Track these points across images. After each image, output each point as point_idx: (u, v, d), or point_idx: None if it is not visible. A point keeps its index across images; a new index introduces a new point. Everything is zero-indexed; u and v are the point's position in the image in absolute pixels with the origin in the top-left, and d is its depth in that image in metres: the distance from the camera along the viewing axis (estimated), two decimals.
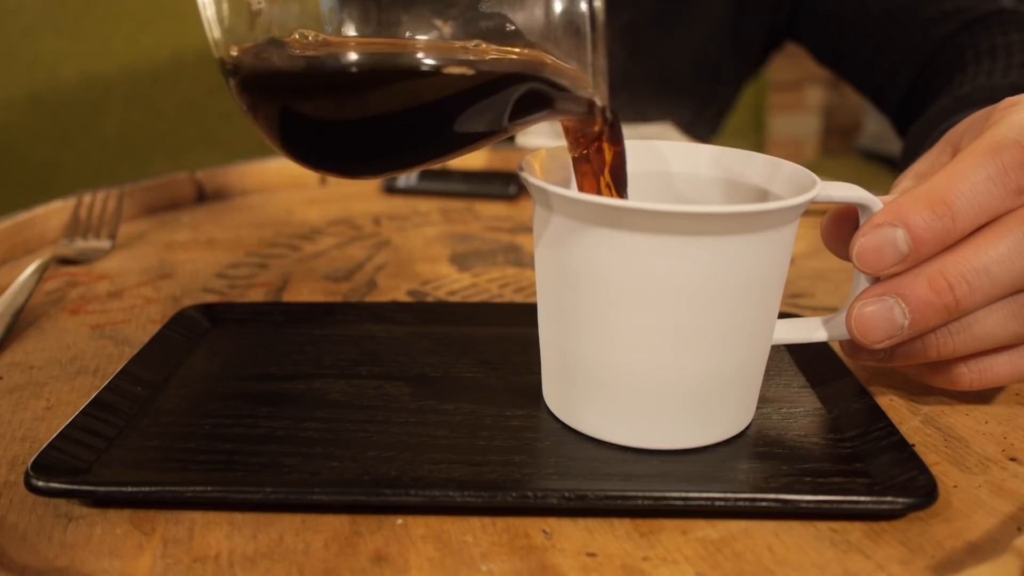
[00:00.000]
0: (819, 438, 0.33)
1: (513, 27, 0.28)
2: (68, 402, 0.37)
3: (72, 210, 0.58)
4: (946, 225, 0.30)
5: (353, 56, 0.26)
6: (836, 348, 0.39)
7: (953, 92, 0.62)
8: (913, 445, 0.33)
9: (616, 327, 0.30)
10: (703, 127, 0.94)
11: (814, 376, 0.37)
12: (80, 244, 0.55)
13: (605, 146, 0.32)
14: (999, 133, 0.32)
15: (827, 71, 0.86)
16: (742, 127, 1.30)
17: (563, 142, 0.34)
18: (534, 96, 0.29)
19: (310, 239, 0.59)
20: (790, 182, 0.33)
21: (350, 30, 0.26)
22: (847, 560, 0.27)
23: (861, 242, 0.31)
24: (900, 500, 0.28)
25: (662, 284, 0.29)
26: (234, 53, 0.26)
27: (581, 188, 0.33)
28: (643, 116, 0.84)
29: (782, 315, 0.35)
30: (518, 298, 0.49)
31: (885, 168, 1.86)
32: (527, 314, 0.37)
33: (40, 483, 0.28)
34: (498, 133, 0.29)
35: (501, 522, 0.29)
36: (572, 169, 0.34)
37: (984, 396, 0.37)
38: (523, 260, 0.55)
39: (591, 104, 0.30)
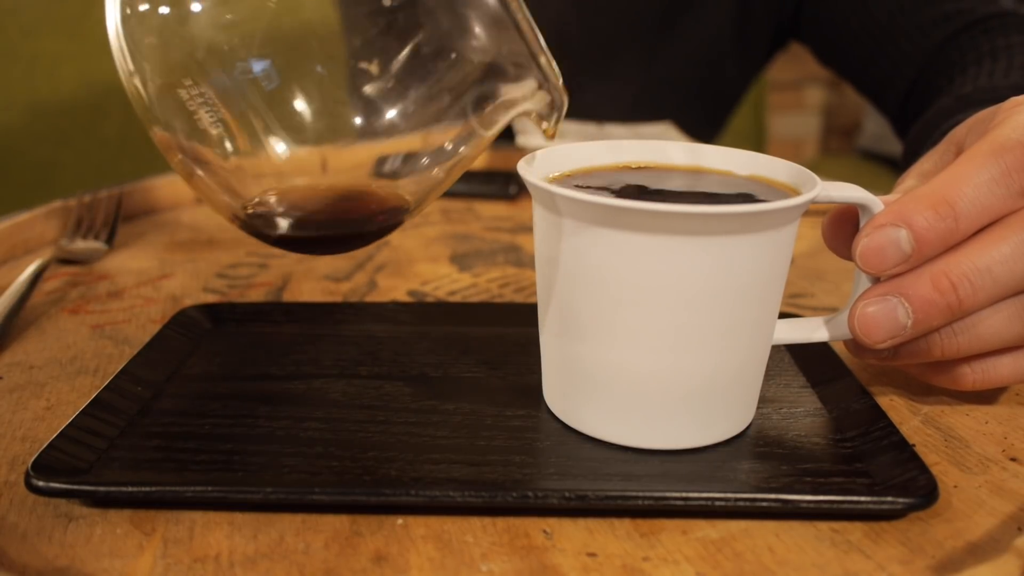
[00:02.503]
0: (819, 438, 0.33)
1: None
2: (68, 402, 0.37)
3: (72, 210, 0.58)
4: (949, 226, 0.30)
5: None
6: (836, 348, 0.39)
7: (954, 92, 0.62)
8: (913, 445, 0.33)
9: (616, 327, 0.30)
10: (706, 127, 0.94)
11: (814, 376, 0.37)
12: (80, 244, 0.55)
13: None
14: (1003, 134, 0.32)
15: (828, 71, 0.86)
16: (742, 127, 1.30)
17: (564, 142, 0.34)
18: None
19: None
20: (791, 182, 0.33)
21: None
22: (847, 560, 0.27)
23: (864, 242, 0.31)
24: (900, 500, 0.28)
25: (662, 284, 0.29)
26: (248, 211, 0.34)
27: None
28: (646, 116, 0.84)
29: (782, 315, 0.35)
30: (518, 298, 0.49)
31: (885, 168, 1.86)
32: (527, 314, 0.37)
33: (40, 483, 0.28)
34: None
35: (501, 522, 0.29)
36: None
37: (984, 396, 0.37)
38: (523, 260, 0.55)
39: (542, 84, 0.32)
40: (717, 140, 0.96)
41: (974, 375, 0.34)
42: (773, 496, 0.29)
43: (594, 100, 0.86)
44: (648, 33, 0.87)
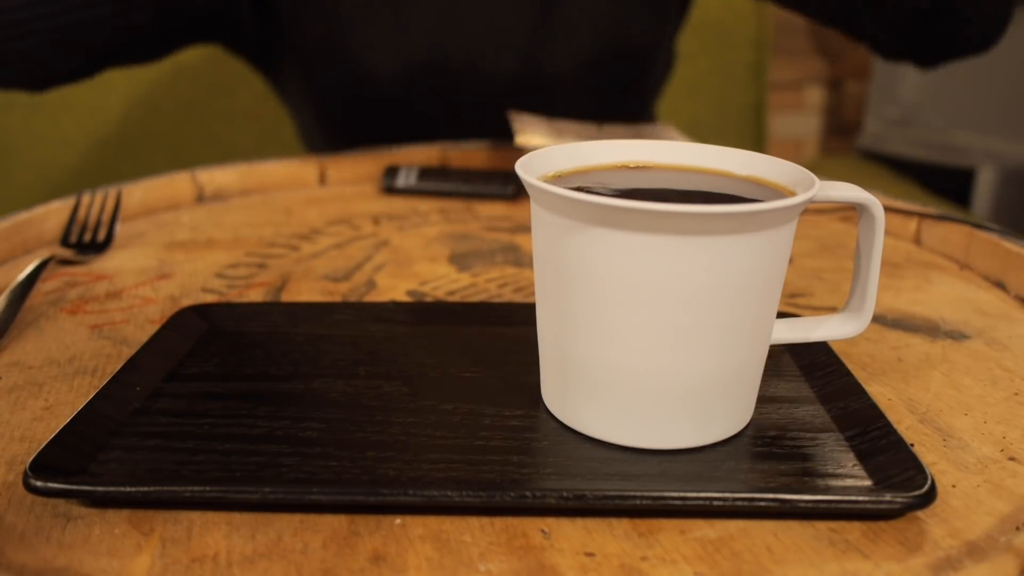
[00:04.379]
0: (817, 438, 0.33)
1: None
2: (67, 402, 0.37)
3: (72, 210, 0.58)
4: None
5: None
6: (835, 348, 0.39)
7: None
8: (912, 444, 0.33)
9: (614, 327, 0.30)
10: (627, 101, 0.87)
11: (813, 376, 0.37)
12: (79, 244, 0.55)
13: None
14: None
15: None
16: (742, 127, 1.30)
17: (563, 142, 0.34)
18: None
19: (309, 239, 0.59)
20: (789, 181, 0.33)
21: None
22: (845, 560, 0.27)
23: None
24: (898, 500, 0.28)
25: (660, 284, 0.29)
26: None
27: None
28: (560, 103, 0.79)
29: (781, 315, 0.35)
30: (517, 298, 0.49)
31: (885, 168, 1.86)
32: (526, 314, 0.37)
33: (39, 483, 0.28)
34: None
35: (499, 522, 0.29)
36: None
37: (984, 396, 0.37)
38: (522, 260, 0.55)
39: None
40: (661, 115, 0.88)
41: None
42: (771, 496, 0.29)
43: (487, 80, 0.81)
44: (527, 13, 0.80)
